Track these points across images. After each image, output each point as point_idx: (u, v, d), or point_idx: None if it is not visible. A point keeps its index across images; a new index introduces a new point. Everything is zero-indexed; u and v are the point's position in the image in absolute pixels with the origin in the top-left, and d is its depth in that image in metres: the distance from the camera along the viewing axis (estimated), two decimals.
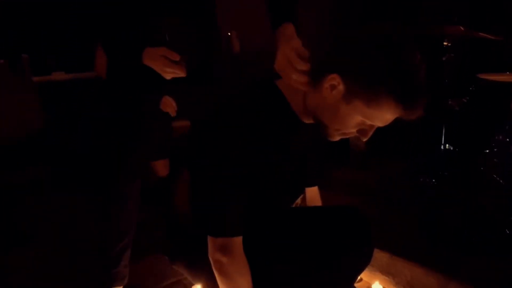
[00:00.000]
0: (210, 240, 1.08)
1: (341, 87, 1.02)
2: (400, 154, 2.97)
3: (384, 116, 1.03)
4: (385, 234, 2.13)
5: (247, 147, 1.06)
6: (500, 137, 1.96)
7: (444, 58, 2.47)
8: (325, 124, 1.10)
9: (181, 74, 1.39)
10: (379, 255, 1.97)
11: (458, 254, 1.93)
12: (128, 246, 1.62)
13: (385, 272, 1.86)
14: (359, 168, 3.17)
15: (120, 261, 1.61)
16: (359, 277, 1.81)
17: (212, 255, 1.08)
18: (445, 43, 2.38)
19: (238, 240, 1.08)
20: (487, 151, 2.08)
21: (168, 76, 1.41)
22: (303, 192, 1.38)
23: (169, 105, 1.94)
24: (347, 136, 1.12)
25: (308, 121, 1.15)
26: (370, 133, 1.08)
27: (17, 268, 1.92)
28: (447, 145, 2.56)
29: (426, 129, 2.66)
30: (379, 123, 1.05)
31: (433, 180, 2.36)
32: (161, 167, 2.33)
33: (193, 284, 1.73)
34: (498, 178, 1.99)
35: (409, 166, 2.67)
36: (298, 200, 1.31)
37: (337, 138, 1.13)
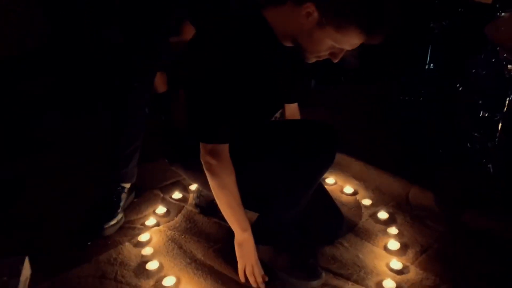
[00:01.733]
0: (201, 145, 1.31)
1: (315, 14, 1.18)
2: (389, 73, 3.14)
3: (350, 40, 1.20)
4: (362, 144, 2.38)
5: (232, 65, 1.23)
6: (477, 60, 2.10)
7: None
8: (302, 47, 1.27)
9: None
10: (354, 163, 2.23)
11: (424, 165, 2.19)
12: (138, 148, 1.84)
13: (358, 177, 2.12)
14: (351, 85, 3.35)
15: (130, 161, 1.83)
16: (334, 181, 2.08)
17: (203, 158, 1.32)
18: None
19: (225, 146, 1.30)
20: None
21: None
22: (282, 107, 1.58)
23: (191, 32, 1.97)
24: (321, 59, 1.30)
25: (288, 44, 1.32)
26: (340, 55, 1.26)
27: (35, 171, 2.15)
28: (431, 65, 2.71)
29: (413, 49, 2.78)
30: (347, 47, 1.23)
31: (412, 98, 2.55)
32: (160, 83, 2.49)
33: (189, 184, 2.00)
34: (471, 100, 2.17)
35: (394, 84, 2.84)
36: (277, 114, 1.52)
37: (312, 60, 1.31)
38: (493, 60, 1.96)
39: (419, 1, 2.50)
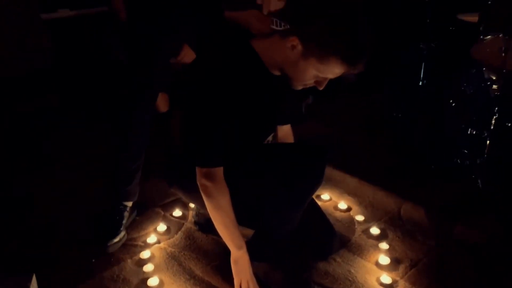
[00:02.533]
0: (197, 169, 1.39)
1: (299, 47, 1.27)
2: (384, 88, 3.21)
3: (333, 70, 1.29)
4: (358, 159, 2.46)
5: (226, 94, 1.33)
6: (464, 79, 2.19)
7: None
8: (288, 76, 1.37)
9: None
10: (348, 179, 2.31)
11: (417, 179, 2.26)
12: (140, 167, 1.92)
13: (352, 193, 2.19)
14: (347, 98, 3.43)
15: (132, 180, 1.91)
16: (328, 197, 2.15)
17: (199, 181, 1.40)
18: None
19: (219, 169, 1.39)
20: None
21: None
22: (274, 131, 1.67)
23: (189, 55, 2.06)
24: (307, 86, 1.39)
25: (276, 73, 1.41)
26: (325, 83, 1.35)
27: (42, 188, 2.24)
28: (424, 81, 2.79)
29: (406, 67, 2.86)
30: (331, 76, 1.32)
31: (400, 115, 2.64)
32: (162, 103, 2.59)
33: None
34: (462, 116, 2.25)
35: (386, 100, 2.92)
36: (270, 138, 1.60)
37: (299, 88, 1.40)
38: (479, 80, 2.03)
39: (410, 23, 2.60)
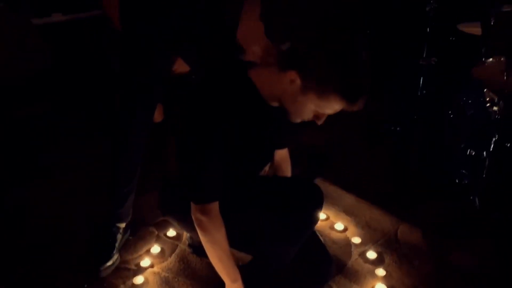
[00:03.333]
0: (192, 204, 1.36)
1: (298, 82, 1.23)
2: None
3: (332, 107, 1.25)
4: (355, 175, 2.44)
5: (223, 128, 1.29)
6: (463, 100, 2.16)
7: (427, 9, 2.58)
8: (286, 109, 1.32)
9: None
10: (346, 196, 2.29)
11: (415, 198, 2.24)
12: (133, 190, 1.89)
13: (349, 212, 2.17)
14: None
15: (125, 202, 1.88)
16: (325, 216, 2.13)
17: (194, 215, 1.36)
18: None
19: (215, 204, 1.35)
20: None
21: None
22: (271, 160, 1.63)
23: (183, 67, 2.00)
24: (306, 120, 1.35)
25: (275, 105, 1.37)
26: (323, 119, 1.31)
27: (39, 198, 2.24)
28: (423, 96, 2.76)
29: (404, 81, 2.84)
30: (329, 112, 1.28)
31: (398, 129, 2.61)
32: (156, 113, 2.54)
33: None
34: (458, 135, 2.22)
35: (386, 111, 2.89)
36: (266, 168, 1.57)
37: (297, 121, 1.36)
38: (479, 100, 2.00)
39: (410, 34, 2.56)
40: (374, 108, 3.07)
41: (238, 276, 1.47)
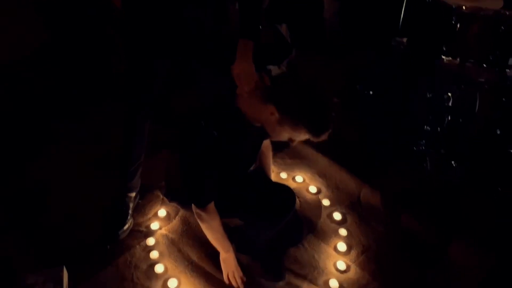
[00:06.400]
0: (192, 204, 1.74)
1: (276, 115, 1.55)
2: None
3: (303, 137, 1.59)
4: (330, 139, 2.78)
5: (216, 148, 1.62)
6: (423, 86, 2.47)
7: None
8: (267, 131, 1.65)
9: None
10: (320, 159, 2.67)
11: (377, 163, 2.62)
12: (140, 165, 2.25)
13: (322, 174, 2.57)
14: (335, 57, 3.62)
15: (135, 176, 2.24)
16: (302, 179, 2.52)
17: (194, 210, 1.75)
18: None
19: (211, 204, 1.74)
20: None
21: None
22: (256, 160, 1.99)
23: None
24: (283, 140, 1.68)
25: (258, 125, 1.68)
26: (297, 142, 1.65)
27: (49, 167, 2.56)
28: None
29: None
30: (301, 139, 1.62)
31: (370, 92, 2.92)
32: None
33: None
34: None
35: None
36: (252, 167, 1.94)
37: (275, 140, 1.70)
38: (439, 85, 2.31)
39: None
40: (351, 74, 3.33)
41: (230, 247, 1.91)
